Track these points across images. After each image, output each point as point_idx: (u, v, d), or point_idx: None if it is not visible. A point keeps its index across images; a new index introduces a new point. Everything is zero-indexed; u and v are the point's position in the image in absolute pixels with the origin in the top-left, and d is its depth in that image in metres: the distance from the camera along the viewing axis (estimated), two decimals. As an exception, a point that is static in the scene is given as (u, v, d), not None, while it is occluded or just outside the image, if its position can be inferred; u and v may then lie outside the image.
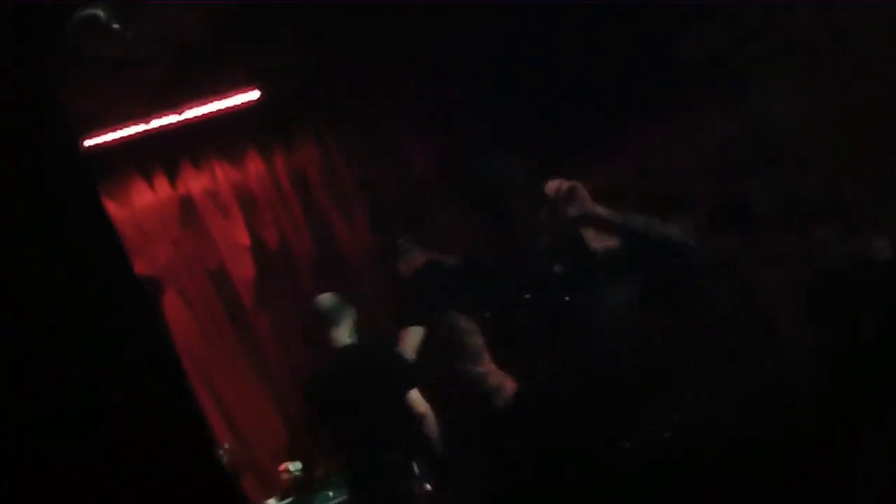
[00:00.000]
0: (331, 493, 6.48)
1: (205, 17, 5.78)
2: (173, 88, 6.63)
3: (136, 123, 6.97)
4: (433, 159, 7.85)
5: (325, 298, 6.05)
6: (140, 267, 6.91)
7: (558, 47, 6.64)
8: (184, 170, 7.62)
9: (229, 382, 7.39)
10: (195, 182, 7.62)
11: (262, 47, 6.64)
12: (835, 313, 3.90)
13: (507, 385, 3.55)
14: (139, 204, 7.40)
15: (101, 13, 5.09)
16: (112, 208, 6.97)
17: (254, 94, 7.38)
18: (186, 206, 7.57)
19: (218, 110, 7.30)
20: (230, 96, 7.29)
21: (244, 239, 7.64)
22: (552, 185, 3.62)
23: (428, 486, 5.58)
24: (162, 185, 7.53)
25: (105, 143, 6.85)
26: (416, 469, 5.63)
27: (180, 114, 7.12)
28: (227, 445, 6.61)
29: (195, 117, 7.22)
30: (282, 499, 6.75)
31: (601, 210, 3.63)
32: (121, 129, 6.91)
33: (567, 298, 3.48)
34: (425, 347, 5.91)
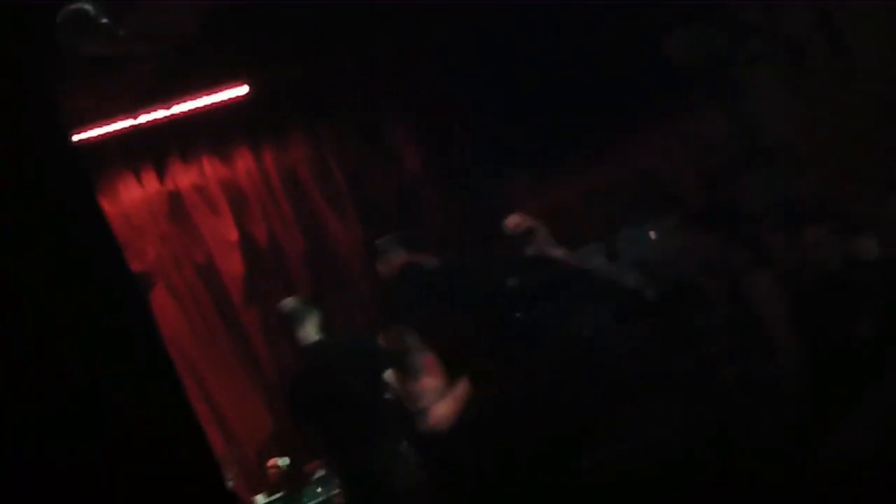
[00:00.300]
0: (319, 489, 6.49)
1: (195, 12, 5.75)
2: (163, 83, 6.61)
3: (125, 118, 6.94)
4: (424, 158, 7.86)
5: (288, 302, 6.14)
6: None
7: (546, 47, 6.65)
8: (173, 165, 7.60)
9: (217, 377, 7.38)
10: (184, 177, 7.60)
11: (252, 43, 6.63)
12: (827, 314, 3.92)
13: (443, 406, 3.57)
14: (128, 199, 7.37)
15: (89, 8, 5.07)
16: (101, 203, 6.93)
17: (243, 90, 7.37)
18: (175, 201, 7.54)
19: (207, 105, 7.29)
20: (219, 91, 7.27)
21: (233, 234, 7.63)
22: (512, 221, 3.65)
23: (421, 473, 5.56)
24: (151, 180, 7.51)
25: (94, 137, 6.82)
26: (407, 453, 5.61)
27: (169, 109, 7.10)
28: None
29: (184, 112, 7.20)
30: (270, 494, 6.76)
31: (557, 252, 3.66)
32: (110, 124, 6.88)
33: (518, 315, 3.49)
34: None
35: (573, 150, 6.44)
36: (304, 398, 5.86)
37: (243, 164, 7.82)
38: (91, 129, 6.75)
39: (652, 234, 6.46)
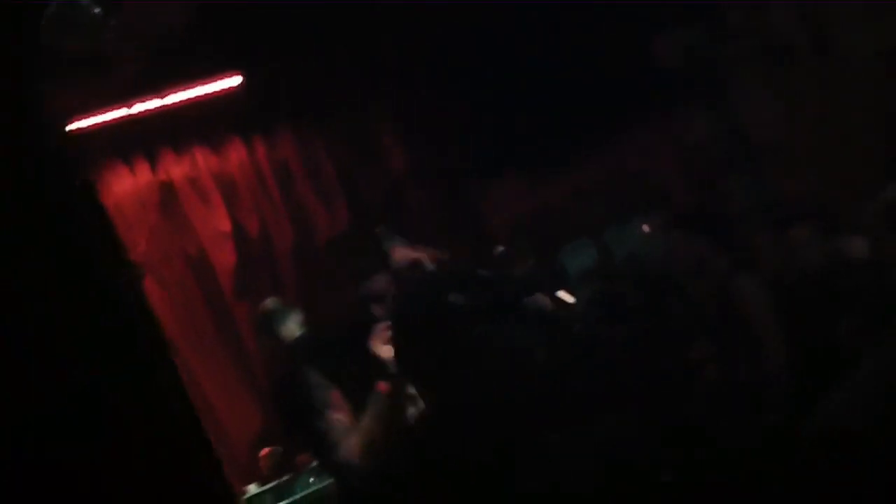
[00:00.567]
0: (311, 479, 6.48)
1: (183, 11, 5.76)
2: (154, 74, 6.61)
3: (116, 109, 6.94)
4: (412, 153, 7.88)
5: (268, 302, 6.14)
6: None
7: (535, 49, 6.67)
8: (164, 156, 7.60)
9: (208, 368, 7.39)
10: (176, 168, 7.60)
11: (246, 34, 6.63)
12: (813, 314, 3.95)
13: (355, 438, 3.57)
14: (119, 190, 7.37)
15: (79, 1, 5.07)
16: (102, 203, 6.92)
17: (235, 81, 7.36)
18: (167, 192, 7.55)
19: (199, 96, 7.28)
20: (212, 82, 7.27)
21: (225, 226, 7.63)
22: (399, 253, 3.64)
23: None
24: (142, 171, 7.51)
25: (86, 128, 6.81)
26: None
27: (162, 99, 7.10)
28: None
29: (176, 103, 7.20)
30: (263, 484, 6.76)
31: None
32: (101, 114, 6.88)
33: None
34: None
35: (561, 150, 6.46)
36: (298, 394, 5.83)
37: (236, 155, 7.82)
38: (82, 119, 6.75)
39: (645, 228, 6.46)
